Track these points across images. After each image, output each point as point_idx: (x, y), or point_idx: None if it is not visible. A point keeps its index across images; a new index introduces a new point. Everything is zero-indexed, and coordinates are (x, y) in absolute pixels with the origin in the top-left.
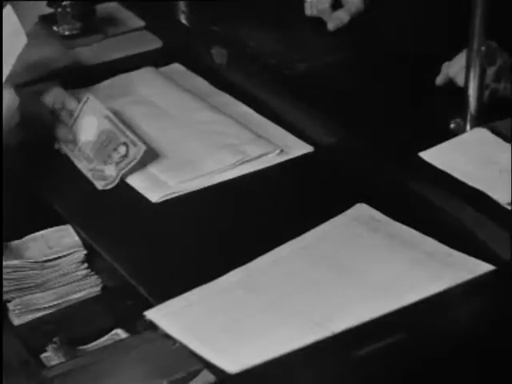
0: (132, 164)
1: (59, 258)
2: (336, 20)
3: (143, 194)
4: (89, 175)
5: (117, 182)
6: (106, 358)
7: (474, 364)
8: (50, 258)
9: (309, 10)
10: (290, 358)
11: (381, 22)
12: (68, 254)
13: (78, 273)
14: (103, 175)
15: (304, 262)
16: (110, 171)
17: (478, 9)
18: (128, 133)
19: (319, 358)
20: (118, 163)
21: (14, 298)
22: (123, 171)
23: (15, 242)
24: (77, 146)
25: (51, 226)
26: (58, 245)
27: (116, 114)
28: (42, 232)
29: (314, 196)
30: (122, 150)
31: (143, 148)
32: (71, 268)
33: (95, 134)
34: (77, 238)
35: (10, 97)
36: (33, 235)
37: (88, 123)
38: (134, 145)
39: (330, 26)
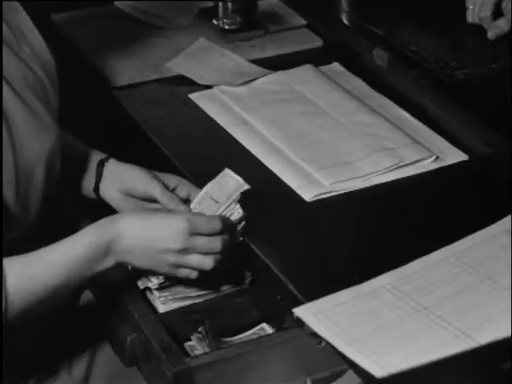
0: None
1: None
2: (496, 29)
3: (298, 192)
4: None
5: None
6: (250, 352)
7: None
8: (222, 211)
9: (470, 17)
10: (436, 367)
11: None
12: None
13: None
14: None
15: (454, 270)
16: None
17: None
18: None
19: (464, 369)
20: None
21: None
22: None
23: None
24: None
25: None
26: (222, 194)
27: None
28: (205, 188)
29: (467, 204)
30: None
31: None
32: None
33: None
34: (240, 179)
35: None
36: (197, 196)
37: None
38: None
39: (490, 35)
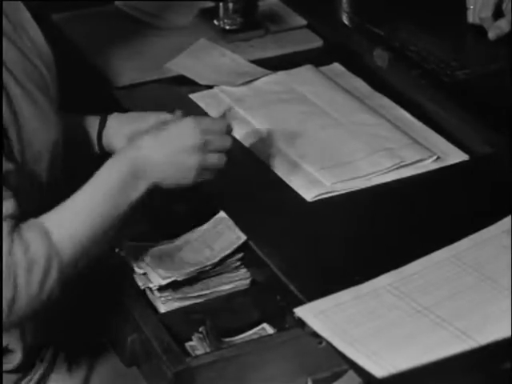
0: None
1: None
2: (497, 29)
3: (298, 192)
4: None
5: None
6: (251, 352)
7: None
8: (216, 261)
9: (471, 18)
10: (436, 367)
11: None
12: (231, 253)
13: (230, 265)
14: None
15: (455, 270)
16: None
17: None
18: None
19: (465, 369)
20: None
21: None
22: None
23: (170, 247)
24: None
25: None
26: (217, 242)
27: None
28: (198, 230)
29: (468, 204)
30: None
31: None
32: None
33: None
34: (237, 230)
35: None
36: (189, 235)
37: None
38: None
39: (491, 35)
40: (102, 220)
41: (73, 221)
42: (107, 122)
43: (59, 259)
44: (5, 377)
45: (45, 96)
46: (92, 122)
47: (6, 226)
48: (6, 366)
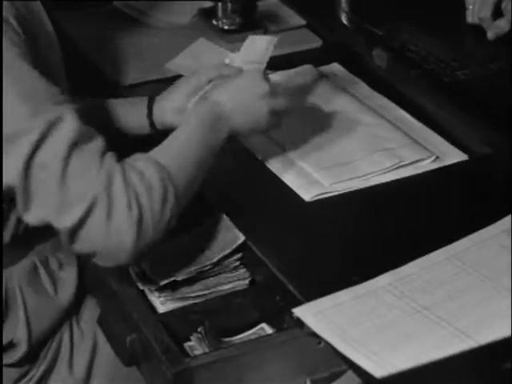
0: None
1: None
2: (496, 29)
3: (297, 192)
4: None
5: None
6: (250, 352)
7: None
8: (215, 261)
9: (470, 18)
10: (436, 367)
11: None
12: (230, 253)
13: (229, 265)
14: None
15: (454, 270)
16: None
17: None
18: None
19: (464, 369)
20: None
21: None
22: None
23: (168, 247)
24: None
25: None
26: (217, 243)
27: None
28: (197, 230)
29: (466, 204)
30: None
31: None
32: (226, 262)
33: None
34: (236, 230)
35: None
36: (188, 236)
37: None
38: None
39: (490, 35)
40: (197, 156)
41: (179, 154)
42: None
43: (173, 184)
44: (6, 371)
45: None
46: (135, 105)
47: (110, 158)
48: (8, 360)
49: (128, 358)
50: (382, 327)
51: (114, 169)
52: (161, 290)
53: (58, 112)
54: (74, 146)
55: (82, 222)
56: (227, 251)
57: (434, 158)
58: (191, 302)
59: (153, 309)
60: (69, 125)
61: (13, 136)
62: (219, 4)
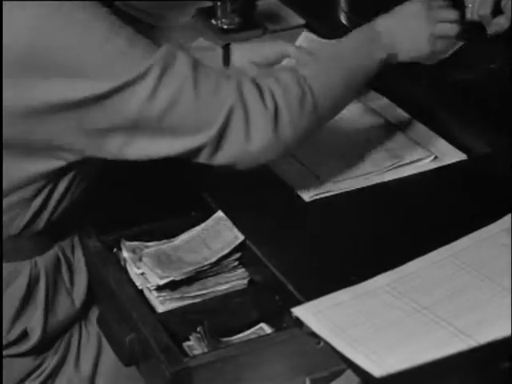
0: None
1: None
2: (496, 26)
3: (297, 192)
4: None
5: None
6: (249, 352)
7: None
8: (214, 260)
9: (469, 15)
10: (435, 366)
11: None
12: (229, 253)
13: (228, 264)
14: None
15: (453, 269)
16: None
17: None
18: None
19: (463, 368)
20: None
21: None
22: None
23: (168, 246)
24: None
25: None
26: (215, 242)
27: None
28: (196, 229)
29: (466, 204)
30: None
31: None
32: (225, 262)
33: None
34: (235, 229)
35: None
36: (187, 235)
37: None
38: None
39: (490, 32)
40: (346, 76)
41: (323, 68)
42: (231, 53)
43: (312, 93)
44: (16, 362)
45: None
46: (211, 55)
47: (236, 73)
48: (18, 350)
49: (127, 358)
50: (381, 327)
51: (243, 77)
52: (160, 289)
53: (165, 49)
54: (195, 69)
55: (222, 132)
56: (226, 251)
57: (433, 157)
58: (190, 301)
59: (152, 308)
60: (182, 54)
61: (132, 82)
62: (218, 4)
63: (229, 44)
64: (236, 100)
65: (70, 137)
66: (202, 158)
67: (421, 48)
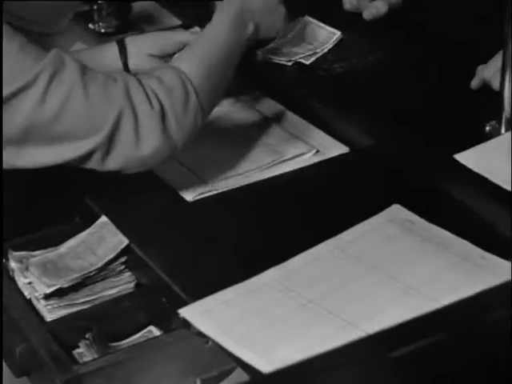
0: None
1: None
2: (373, 9)
3: (179, 192)
4: None
5: None
6: (138, 356)
7: None
8: (100, 265)
9: (348, 4)
10: (324, 359)
11: (417, 23)
12: (115, 257)
13: (115, 268)
14: None
15: (339, 262)
16: None
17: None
18: None
19: (353, 359)
20: None
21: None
22: None
23: (54, 254)
24: None
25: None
26: (100, 247)
27: None
28: (81, 236)
29: (350, 196)
30: None
31: None
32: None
33: None
34: (120, 235)
35: None
36: (72, 242)
37: None
38: None
39: (366, 15)
40: (220, 55)
41: (196, 55)
42: (127, 47)
43: (193, 85)
44: None
45: None
46: (106, 51)
47: (122, 75)
48: None
49: (18, 369)
50: (269, 322)
51: (129, 79)
52: (47, 298)
53: (53, 54)
54: (84, 74)
55: (112, 135)
56: (111, 255)
57: (314, 151)
58: (79, 308)
59: (41, 318)
60: (69, 60)
61: (21, 89)
62: (95, 7)
63: (123, 39)
64: (124, 102)
65: None
66: (93, 164)
67: (275, 27)
